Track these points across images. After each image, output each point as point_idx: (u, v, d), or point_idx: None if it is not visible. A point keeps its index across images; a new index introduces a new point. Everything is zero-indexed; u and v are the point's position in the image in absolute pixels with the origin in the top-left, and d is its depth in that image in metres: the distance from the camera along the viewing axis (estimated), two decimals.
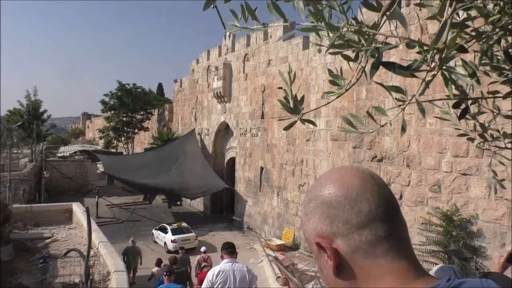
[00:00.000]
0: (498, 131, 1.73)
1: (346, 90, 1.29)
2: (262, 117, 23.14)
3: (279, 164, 21.34)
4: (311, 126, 18.78)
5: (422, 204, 12.27)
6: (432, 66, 1.08)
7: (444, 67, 1.08)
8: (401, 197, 13.03)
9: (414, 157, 12.69)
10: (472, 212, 10.57)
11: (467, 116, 1.51)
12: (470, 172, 10.93)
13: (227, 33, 27.90)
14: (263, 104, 23.17)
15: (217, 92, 28.09)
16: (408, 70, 1.11)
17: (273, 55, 22.36)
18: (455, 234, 10.34)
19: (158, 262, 13.15)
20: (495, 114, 1.68)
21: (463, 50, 1.07)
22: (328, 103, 1.92)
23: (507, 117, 1.71)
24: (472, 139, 1.77)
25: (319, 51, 18.31)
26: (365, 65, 1.20)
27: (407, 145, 12.95)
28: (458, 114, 1.49)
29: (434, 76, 1.13)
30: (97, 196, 26.79)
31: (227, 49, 28.08)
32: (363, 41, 1.12)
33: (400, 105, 1.30)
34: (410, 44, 1.10)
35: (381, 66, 1.11)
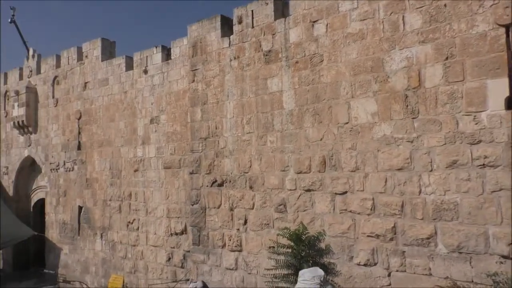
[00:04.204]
0: None
1: None
2: (79, 148, 19.94)
3: (102, 201, 18.46)
4: (139, 154, 16.79)
5: (268, 227, 11.63)
6: None
7: None
8: (245, 222, 12.17)
9: (257, 177, 12.07)
10: (319, 228, 10.33)
11: None
12: (314, 188, 10.77)
13: (31, 53, 23.91)
14: (79, 133, 20.03)
15: (18, 122, 23.36)
16: None
17: (90, 77, 19.67)
18: (305, 254, 9.91)
19: None
20: None
21: None
22: None
23: None
24: None
25: (145, 71, 16.74)
26: None
27: (248, 165, 12.29)
28: None
29: None
30: None
31: (31, 71, 23.81)
32: None
33: None
34: None
35: None
